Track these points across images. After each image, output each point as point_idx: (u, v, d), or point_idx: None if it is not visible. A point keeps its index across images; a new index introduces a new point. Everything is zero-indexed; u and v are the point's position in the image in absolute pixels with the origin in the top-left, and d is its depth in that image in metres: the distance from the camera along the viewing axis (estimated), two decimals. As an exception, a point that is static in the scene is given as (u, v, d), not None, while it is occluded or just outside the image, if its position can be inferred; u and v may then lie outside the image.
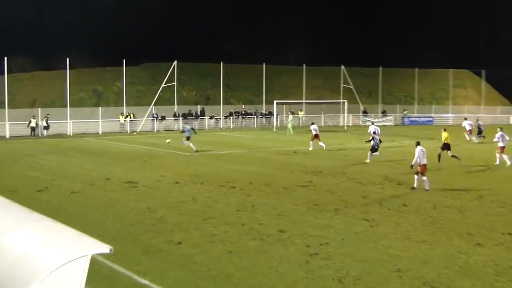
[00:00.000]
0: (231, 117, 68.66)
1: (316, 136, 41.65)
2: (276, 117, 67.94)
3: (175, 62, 65.51)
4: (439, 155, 32.99)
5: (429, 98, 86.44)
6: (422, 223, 18.06)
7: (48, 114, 55.77)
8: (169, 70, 65.24)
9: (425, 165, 24.22)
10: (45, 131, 54.95)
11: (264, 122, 70.65)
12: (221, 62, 68.28)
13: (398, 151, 40.46)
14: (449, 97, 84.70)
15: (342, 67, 75.79)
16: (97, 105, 65.59)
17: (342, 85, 75.73)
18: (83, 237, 6.76)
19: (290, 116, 64.01)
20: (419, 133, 57.05)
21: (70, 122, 57.42)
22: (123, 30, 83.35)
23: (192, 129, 42.70)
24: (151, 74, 74.83)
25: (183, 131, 41.76)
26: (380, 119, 73.64)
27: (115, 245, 9.36)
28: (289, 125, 60.46)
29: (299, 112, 72.90)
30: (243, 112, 69.97)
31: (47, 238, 6.50)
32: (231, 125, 68.23)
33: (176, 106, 66.19)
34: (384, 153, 36.74)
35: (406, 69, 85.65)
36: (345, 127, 67.62)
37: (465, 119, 52.77)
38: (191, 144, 39.60)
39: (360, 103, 75.50)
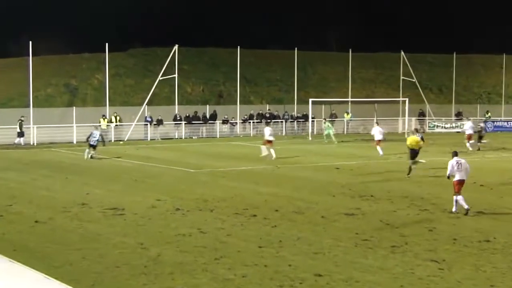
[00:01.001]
0: (251, 121, 68.79)
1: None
2: (312, 121, 67.89)
3: (176, 47, 65.79)
4: (413, 164, 36.63)
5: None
6: (511, 266, 17.95)
7: (23, 116, 56.43)
8: (167, 57, 65.54)
9: (461, 181, 25.56)
10: (20, 139, 55.63)
11: (296, 128, 70.71)
12: (238, 47, 68.46)
13: (480, 167, 40.19)
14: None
15: (402, 53, 75.62)
16: (70, 104, 66.08)
17: (402, 77, 75.56)
18: (51, 284, 6.88)
19: (327, 123, 63.12)
20: (508, 142, 56.70)
21: (33, 127, 57.84)
22: (105, 3, 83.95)
23: (101, 136, 45.56)
24: (143, 63, 75.30)
25: (88, 137, 44.91)
26: (451, 124, 73.37)
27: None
28: (330, 132, 60.34)
29: (345, 115, 72.80)
30: (268, 115, 70.05)
31: (3, 286, 6.62)
32: (251, 132, 68.35)
33: (177, 107, 66.46)
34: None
35: (489, 56, 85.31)
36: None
37: (468, 119, 53.64)
38: (92, 154, 43.88)
39: (426, 102, 75.28)
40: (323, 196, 29.56)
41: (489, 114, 77.47)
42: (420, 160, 38.15)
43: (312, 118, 67.30)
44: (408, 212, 25.56)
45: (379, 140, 46.80)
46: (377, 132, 47.50)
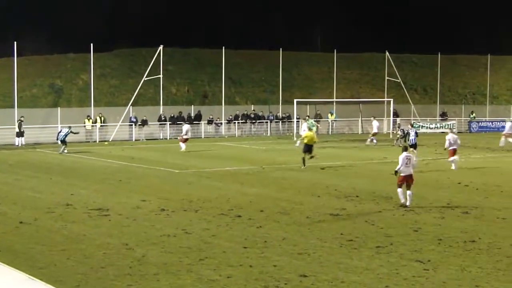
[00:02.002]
0: (236, 121, 68.83)
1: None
2: (297, 121, 67.83)
3: (161, 47, 65.79)
4: (305, 157, 39.79)
5: (507, 96, 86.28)
6: (496, 267, 17.99)
7: (22, 117, 56.40)
8: (152, 58, 65.51)
9: (407, 176, 26.79)
10: (20, 139, 55.65)
11: (280, 128, 70.78)
12: (223, 47, 68.48)
13: (465, 168, 40.36)
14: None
15: (387, 53, 75.82)
16: (55, 105, 65.87)
17: (386, 78, 75.76)
18: (35, 284, 6.85)
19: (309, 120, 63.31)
20: (492, 143, 56.93)
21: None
22: (90, 4, 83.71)
23: (69, 130, 49.96)
24: (128, 64, 75.15)
25: (59, 133, 49.79)
26: (436, 125, 73.48)
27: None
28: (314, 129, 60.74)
29: (329, 115, 72.88)
30: (253, 115, 70.10)
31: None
32: (236, 133, 68.39)
33: (162, 107, 66.43)
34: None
35: (474, 56, 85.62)
36: (391, 135, 67.44)
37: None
38: (63, 150, 47.44)
39: (411, 102, 75.47)
40: (308, 196, 29.58)
41: (474, 114, 77.77)
42: (314, 155, 40.63)
43: (297, 118, 67.29)
44: (394, 213, 25.60)
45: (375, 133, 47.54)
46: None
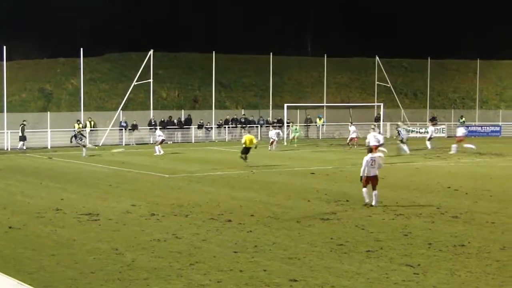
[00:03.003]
0: (227, 126, 68.81)
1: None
2: (288, 125, 67.94)
3: (151, 52, 65.73)
4: (242, 157, 43.39)
5: (496, 100, 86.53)
6: (486, 271, 18.01)
7: (25, 121, 56.36)
8: (142, 62, 65.43)
9: (372, 177, 27.71)
10: (23, 143, 55.61)
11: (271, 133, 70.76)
12: (213, 52, 68.48)
13: (455, 172, 40.43)
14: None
15: (377, 58, 75.97)
16: (45, 109, 65.81)
17: (377, 82, 75.87)
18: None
19: (294, 126, 64.80)
20: (482, 147, 57.03)
21: (7, 132, 57.57)
22: (80, 9, 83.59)
23: (81, 134, 51.09)
24: (118, 68, 75.11)
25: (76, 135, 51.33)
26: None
27: (68, 299, 9.42)
28: (296, 135, 62.00)
29: (317, 120, 72.99)
30: (243, 120, 70.10)
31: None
32: (227, 137, 68.35)
33: (152, 112, 66.35)
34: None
35: (464, 61, 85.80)
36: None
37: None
38: (85, 150, 49.19)
39: (401, 107, 75.59)
40: (298, 201, 29.57)
41: (464, 119, 77.89)
42: (246, 158, 43.55)
43: (288, 123, 67.38)
44: (383, 217, 25.61)
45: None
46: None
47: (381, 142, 47.65)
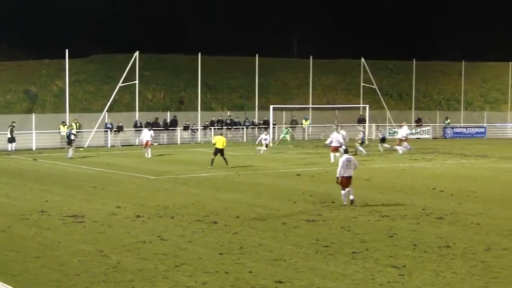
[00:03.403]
0: (212, 127, 68.72)
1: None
2: (273, 127, 67.91)
3: (137, 53, 65.56)
4: (213, 160, 43.28)
5: (481, 102, 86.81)
6: (471, 272, 18.07)
7: (14, 122, 56.05)
8: (128, 64, 65.26)
9: (348, 177, 28.43)
10: (12, 144, 55.33)
11: (256, 134, 70.69)
12: (199, 53, 68.42)
13: (440, 173, 40.56)
14: (509, 100, 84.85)
15: (363, 60, 76.05)
16: (29, 111, 65.55)
17: (362, 84, 75.96)
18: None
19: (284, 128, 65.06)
20: (467, 149, 57.20)
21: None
22: (65, 10, 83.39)
23: (74, 135, 51.18)
24: (104, 70, 74.87)
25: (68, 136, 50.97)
26: (412, 131, 73.63)
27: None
28: (287, 137, 62.01)
29: (303, 122, 73.04)
30: (229, 121, 70.07)
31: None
32: (212, 139, 68.20)
33: (137, 113, 66.20)
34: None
35: (449, 63, 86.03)
36: (366, 141, 67.50)
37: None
38: (70, 152, 49.01)
39: (386, 108, 75.68)
40: (284, 202, 29.58)
41: (449, 120, 78.14)
42: (213, 162, 43.37)
43: (273, 124, 67.40)
44: (369, 218, 25.66)
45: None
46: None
47: (341, 142, 47.53)
